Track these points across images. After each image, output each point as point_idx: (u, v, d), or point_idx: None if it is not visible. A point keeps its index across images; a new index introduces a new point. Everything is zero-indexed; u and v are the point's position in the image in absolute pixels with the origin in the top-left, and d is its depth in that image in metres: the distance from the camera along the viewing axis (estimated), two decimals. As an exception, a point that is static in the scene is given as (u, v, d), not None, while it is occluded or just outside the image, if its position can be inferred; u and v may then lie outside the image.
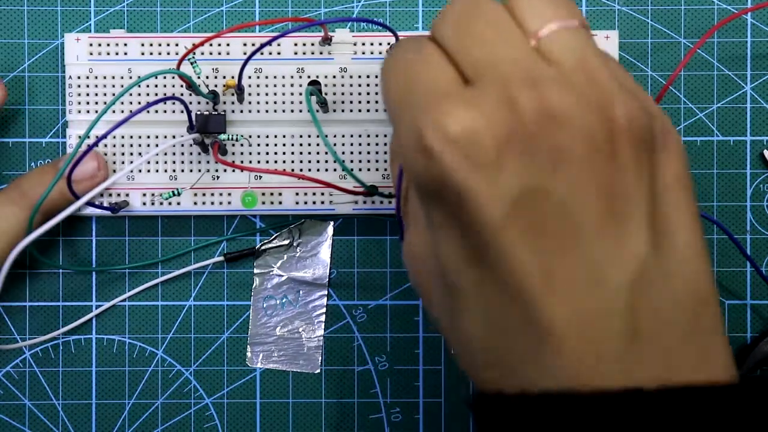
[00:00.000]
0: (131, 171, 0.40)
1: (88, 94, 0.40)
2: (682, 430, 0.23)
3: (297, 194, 0.40)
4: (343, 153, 0.40)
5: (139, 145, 0.40)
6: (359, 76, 0.40)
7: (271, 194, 0.40)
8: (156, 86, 0.40)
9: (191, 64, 0.37)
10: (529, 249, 0.24)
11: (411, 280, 0.29)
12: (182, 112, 0.39)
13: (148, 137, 0.40)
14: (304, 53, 0.40)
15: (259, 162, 0.40)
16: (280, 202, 0.40)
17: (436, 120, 0.24)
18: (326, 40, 0.39)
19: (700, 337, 0.25)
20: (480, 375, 0.27)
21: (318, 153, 0.40)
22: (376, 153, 0.40)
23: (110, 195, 0.40)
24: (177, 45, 0.40)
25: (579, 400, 0.24)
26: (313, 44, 0.40)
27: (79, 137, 0.39)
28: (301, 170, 0.40)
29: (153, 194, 0.40)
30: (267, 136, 0.40)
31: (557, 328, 0.24)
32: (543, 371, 0.24)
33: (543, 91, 0.24)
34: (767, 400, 0.24)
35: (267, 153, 0.40)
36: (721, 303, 0.42)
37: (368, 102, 0.40)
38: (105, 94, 0.40)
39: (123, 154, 0.40)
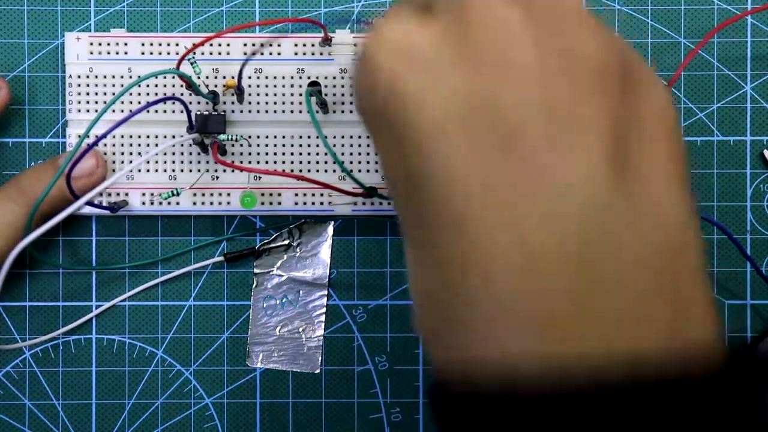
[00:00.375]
0: (131, 171, 0.40)
1: (88, 94, 0.40)
2: (642, 417, 0.19)
3: (296, 195, 0.40)
4: (343, 154, 0.40)
5: (139, 145, 0.40)
6: (359, 77, 0.40)
7: (271, 195, 0.40)
8: (156, 86, 0.40)
9: (191, 64, 0.37)
10: (466, 160, 0.21)
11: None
12: (182, 112, 0.39)
13: (148, 137, 0.40)
14: (304, 54, 0.40)
15: (258, 162, 0.40)
16: (280, 203, 0.40)
17: (378, 33, 0.23)
18: (326, 41, 0.39)
19: (673, 294, 0.21)
20: (430, 346, 0.23)
21: (317, 154, 0.40)
22: (376, 154, 0.40)
23: (110, 195, 0.40)
24: (177, 45, 0.40)
25: (520, 393, 0.20)
26: (313, 45, 0.40)
27: (79, 137, 0.39)
28: (300, 171, 0.40)
29: (152, 194, 0.40)
30: (267, 137, 0.40)
31: (495, 265, 0.20)
32: (479, 333, 0.21)
33: (495, 4, 0.22)
34: (747, 380, 0.21)
35: (266, 153, 0.40)
36: (721, 303, 0.42)
37: (368, 102, 0.40)
38: (105, 94, 0.40)
39: (123, 153, 0.40)
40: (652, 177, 0.21)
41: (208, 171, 0.40)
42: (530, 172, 0.21)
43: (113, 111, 0.40)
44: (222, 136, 0.39)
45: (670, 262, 0.21)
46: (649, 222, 0.21)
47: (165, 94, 0.40)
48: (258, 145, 0.40)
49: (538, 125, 0.21)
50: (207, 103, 0.40)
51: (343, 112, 0.40)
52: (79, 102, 0.40)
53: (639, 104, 0.22)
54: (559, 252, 0.20)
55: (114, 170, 0.40)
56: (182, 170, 0.40)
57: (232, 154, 0.40)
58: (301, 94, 0.40)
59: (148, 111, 0.39)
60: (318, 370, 0.41)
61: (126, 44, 0.40)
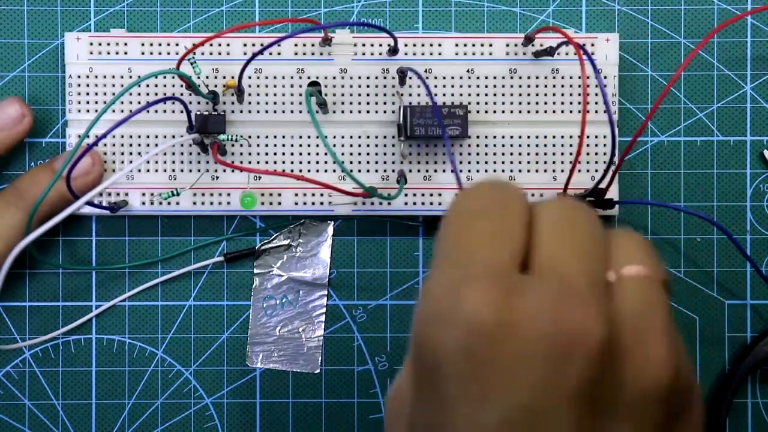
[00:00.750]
0: (131, 171, 0.40)
1: (88, 94, 0.40)
2: None
3: (296, 195, 0.40)
4: (343, 154, 0.40)
5: (139, 145, 0.40)
6: (359, 77, 0.40)
7: (271, 195, 0.40)
8: (156, 86, 0.40)
9: (191, 64, 0.37)
10: None
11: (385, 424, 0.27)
12: (182, 112, 0.39)
13: (148, 137, 0.40)
14: (304, 54, 0.40)
15: (258, 162, 0.40)
16: (279, 203, 0.40)
17: (476, 295, 0.22)
18: (326, 41, 0.39)
19: None
20: None
21: (317, 154, 0.40)
22: (376, 154, 0.40)
23: (109, 195, 0.40)
24: (177, 45, 0.40)
25: None
26: (313, 45, 0.40)
27: (79, 137, 0.39)
28: (300, 171, 0.40)
29: (152, 194, 0.40)
30: (266, 137, 0.40)
31: None
32: None
33: (591, 314, 0.22)
34: None
35: (266, 153, 0.40)
36: (721, 303, 0.42)
37: (368, 103, 0.40)
38: (105, 94, 0.40)
39: (123, 153, 0.40)
40: None
41: (208, 171, 0.40)
42: None
43: (113, 111, 0.40)
44: (222, 136, 0.39)
45: None
46: None
47: (165, 94, 0.40)
48: (258, 145, 0.40)
49: None
50: (207, 103, 0.40)
51: (342, 112, 0.40)
52: (79, 102, 0.40)
53: None
54: None
55: (114, 170, 0.40)
56: (182, 170, 0.40)
57: (232, 154, 0.40)
58: (301, 94, 0.40)
59: (148, 111, 0.39)
60: (318, 370, 0.41)
61: (126, 44, 0.40)
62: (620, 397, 0.23)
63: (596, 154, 0.40)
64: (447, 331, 0.22)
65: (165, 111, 0.40)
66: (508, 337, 0.22)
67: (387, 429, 0.26)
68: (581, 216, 0.25)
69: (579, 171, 0.40)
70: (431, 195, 0.40)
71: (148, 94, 0.40)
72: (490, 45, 0.40)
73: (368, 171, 0.40)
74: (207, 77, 0.40)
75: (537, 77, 0.40)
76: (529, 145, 0.40)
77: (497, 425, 0.22)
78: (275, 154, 0.40)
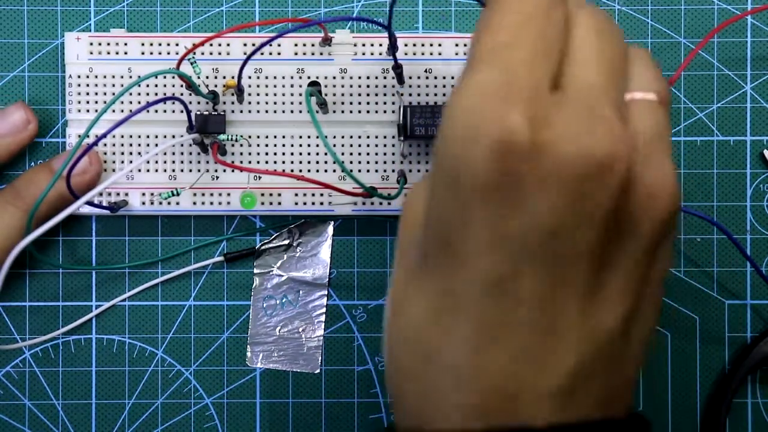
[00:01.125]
0: (131, 171, 0.40)
1: (88, 94, 0.40)
2: None
3: (296, 195, 0.40)
4: (343, 154, 0.40)
5: (139, 145, 0.40)
6: (359, 77, 0.40)
7: (271, 195, 0.40)
8: (156, 86, 0.40)
9: (191, 64, 0.37)
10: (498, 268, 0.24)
11: (398, 235, 0.28)
12: (182, 112, 0.39)
13: (148, 137, 0.40)
14: (304, 54, 0.40)
15: (258, 162, 0.40)
16: (279, 203, 0.40)
17: (514, 114, 0.23)
18: (326, 41, 0.39)
19: (615, 391, 0.26)
20: (400, 386, 0.26)
21: (317, 154, 0.40)
22: (376, 154, 0.40)
23: (109, 194, 0.40)
24: (177, 45, 0.40)
25: None
26: (313, 45, 0.40)
27: (79, 136, 0.39)
28: (300, 171, 0.40)
29: (152, 194, 0.40)
30: (266, 137, 0.40)
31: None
32: (454, 402, 0.24)
33: (616, 141, 0.24)
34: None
35: (266, 153, 0.40)
36: (721, 303, 0.42)
37: (368, 103, 0.40)
38: (105, 94, 0.40)
39: (123, 153, 0.40)
40: (645, 322, 0.26)
41: (208, 171, 0.40)
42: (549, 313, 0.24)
43: (113, 111, 0.40)
44: (222, 136, 0.39)
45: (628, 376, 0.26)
46: (625, 364, 0.26)
47: (165, 94, 0.40)
48: (258, 145, 0.40)
49: (582, 273, 0.25)
50: (207, 103, 0.40)
51: (342, 112, 0.40)
52: (79, 102, 0.40)
53: (661, 263, 0.26)
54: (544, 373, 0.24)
55: (114, 170, 0.40)
56: (182, 170, 0.40)
57: (232, 154, 0.40)
58: (301, 94, 0.40)
59: (148, 111, 0.39)
60: (318, 370, 0.41)
61: (126, 44, 0.40)
62: (631, 219, 0.24)
63: (596, 154, 0.40)
64: (481, 142, 0.23)
65: (165, 111, 0.40)
66: (541, 156, 0.23)
67: (402, 243, 0.27)
68: (613, 33, 0.26)
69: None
70: (431, 195, 0.40)
71: (148, 94, 0.40)
72: (490, 45, 0.40)
73: (368, 171, 0.40)
74: (207, 77, 0.40)
75: (537, 77, 0.40)
76: (529, 145, 0.40)
77: (516, 236, 0.23)
78: (275, 154, 0.40)
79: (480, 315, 0.24)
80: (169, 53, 0.40)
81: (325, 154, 0.40)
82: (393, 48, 0.39)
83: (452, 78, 0.40)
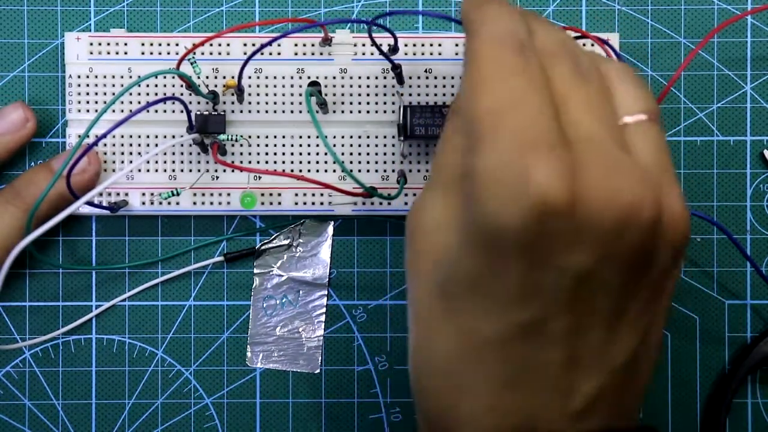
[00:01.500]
0: (131, 171, 0.40)
1: (88, 94, 0.40)
2: None
3: (296, 195, 0.40)
4: (343, 154, 0.40)
5: (139, 145, 0.40)
6: (359, 77, 0.40)
7: (271, 195, 0.40)
8: (156, 86, 0.40)
9: (191, 64, 0.37)
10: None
11: (411, 256, 0.28)
12: (182, 112, 0.39)
13: (148, 137, 0.40)
14: (304, 54, 0.40)
15: (258, 162, 0.40)
16: (279, 203, 0.40)
17: (541, 174, 0.23)
18: (326, 41, 0.39)
19: (626, 412, 0.27)
20: (427, 404, 0.27)
21: (317, 154, 0.40)
22: (376, 154, 0.40)
23: (109, 194, 0.40)
24: (177, 45, 0.40)
25: None
26: (313, 45, 0.40)
27: (79, 136, 0.39)
28: (300, 171, 0.40)
29: (152, 194, 0.40)
30: (266, 137, 0.40)
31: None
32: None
33: (641, 186, 0.24)
34: None
35: (266, 153, 0.40)
36: (721, 303, 0.42)
37: (368, 103, 0.40)
38: (105, 94, 0.40)
39: (123, 153, 0.40)
40: (652, 345, 0.27)
41: (208, 171, 0.40)
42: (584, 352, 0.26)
43: (113, 111, 0.40)
44: (222, 136, 0.39)
45: (635, 396, 0.27)
46: (633, 379, 0.27)
47: (165, 94, 0.40)
48: (258, 145, 0.40)
49: (608, 310, 0.26)
50: (207, 103, 0.40)
51: (342, 112, 0.40)
52: (79, 102, 0.40)
53: (671, 284, 0.27)
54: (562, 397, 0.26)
55: (114, 170, 0.40)
56: (182, 170, 0.40)
57: (232, 154, 0.40)
58: (301, 94, 0.40)
59: (148, 111, 0.39)
60: (318, 370, 0.41)
61: (126, 44, 0.40)
62: (653, 250, 0.25)
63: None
64: (516, 207, 0.23)
65: (165, 111, 0.40)
66: (576, 212, 0.23)
67: (424, 285, 0.27)
68: (588, 67, 0.27)
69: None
70: (431, 195, 0.40)
71: (148, 94, 0.40)
72: (490, 45, 0.40)
73: (368, 171, 0.40)
74: (207, 77, 0.40)
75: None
76: (529, 145, 0.40)
77: (549, 287, 0.24)
78: (275, 154, 0.40)
79: (508, 356, 0.25)
80: (169, 53, 0.40)
81: (325, 154, 0.40)
82: (395, 51, 0.39)
83: (452, 78, 0.40)
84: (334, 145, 0.40)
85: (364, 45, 0.40)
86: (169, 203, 0.40)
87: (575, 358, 0.25)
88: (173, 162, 0.40)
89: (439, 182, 0.27)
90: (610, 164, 0.24)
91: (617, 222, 0.24)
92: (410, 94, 0.40)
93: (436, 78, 0.40)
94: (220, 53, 0.40)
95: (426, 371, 0.27)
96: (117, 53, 0.40)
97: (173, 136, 0.40)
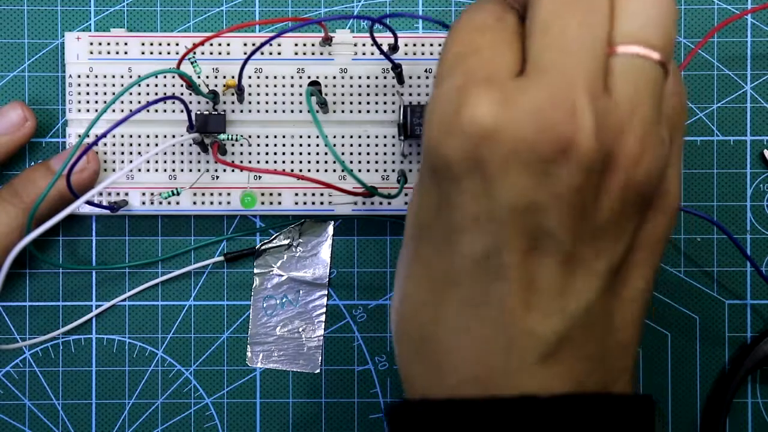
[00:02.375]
0: (131, 170, 0.40)
1: (88, 93, 0.40)
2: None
3: (296, 194, 0.40)
4: (343, 154, 0.40)
5: (139, 145, 0.40)
6: (359, 77, 0.40)
7: (271, 194, 0.40)
8: (156, 86, 0.40)
9: (191, 63, 0.37)
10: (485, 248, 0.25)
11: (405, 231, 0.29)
12: (182, 111, 0.39)
13: (148, 137, 0.40)
14: (304, 53, 0.40)
15: (258, 162, 0.40)
16: (280, 203, 0.40)
17: (473, 103, 0.24)
18: (326, 41, 0.39)
19: (609, 373, 0.27)
20: (407, 368, 0.28)
21: (318, 153, 0.40)
22: (376, 154, 0.40)
23: (110, 194, 0.40)
24: (177, 45, 0.40)
25: (472, 405, 0.25)
26: (313, 44, 0.40)
27: (79, 136, 0.39)
28: (300, 170, 0.40)
29: (152, 194, 0.40)
30: (267, 136, 0.40)
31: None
32: (452, 376, 0.26)
33: (579, 121, 0.24)
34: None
35: (267, 153, 0.40)
36: (721, 303, 0.42)
37: (368, 103, 0.40)
38: (105, 93, 0.40)
39: (123, 153, 0.40)
40: (633, 284, 0.27)
41: (208, 171, 0.40)
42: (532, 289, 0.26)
43: (113, 111, 0.40)
44: (222, 136, 0.39)
45: (618, 353, 0.27)
46: (614, 323, 0.27)
47: (165, 94, 0.40)
48: (258, 145, 0.40)
49: (560, 253, 0.26)
50: (207, 102, 0.40)
51: (343, 111, 0.40)
52: (79, 102, 0.40)
53: (652, 228, 0.27)
54: (533, 339, 0.26)
55: (114, 170, 0.40)
56: (182, 170, 0.40)
57: (232, 153, 0.40)
58: (301, 94, 0.40)
59: (148, 111, 0.39)
60: (318, 370, 0.41)
61: (126, 44, 0.40)
62: (603, 201, 0.25)
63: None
64: (452, 136, 0.25)
65: (165, 111, 0.40)
66: (500, 140, 0.24)
67: (406, 236, 0.28)
68: None
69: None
70: (431, 195, 0.40)
71: (148, 94, 0.40)
72: (490, 45, 0.40)
73: (368, 171, 0.40)
74: (207, 77, 0.40)
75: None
76: (529, 145, 0.40)
77: (492, 215, 0.25)
78: (275, 153, 0.40)
79: (467, 292, 0.26)
80: (169, 53, 0.40)
81: (326, 153, 0.40)
82: (395, 50, 0.39)
83: (452, 78, 0.40)
84: (334, 145, 0.40)
85: (364, 45, 0.40)
86: (169, 203, 0.40)
87: (530, 298, 0.25)
88: (173, 162, 0.40)
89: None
90: (548, 96, 0.24)
91: (549, 153, 0.24)
92: (410, 94, 0.40)
93: (435, 78, 0.40)
94: (220, 53, 0.40)
95: (400, 325, 0.28)
96: (117, 53, 0.40)
97: (173, 136, 0.40)
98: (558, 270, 0.25)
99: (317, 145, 0.40)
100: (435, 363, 0.26)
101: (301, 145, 0.40)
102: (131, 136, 0.40)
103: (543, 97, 0.24)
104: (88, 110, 0.40)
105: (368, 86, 0.40)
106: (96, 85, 0.40)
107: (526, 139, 0.24)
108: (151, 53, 0.40)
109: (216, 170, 0.40)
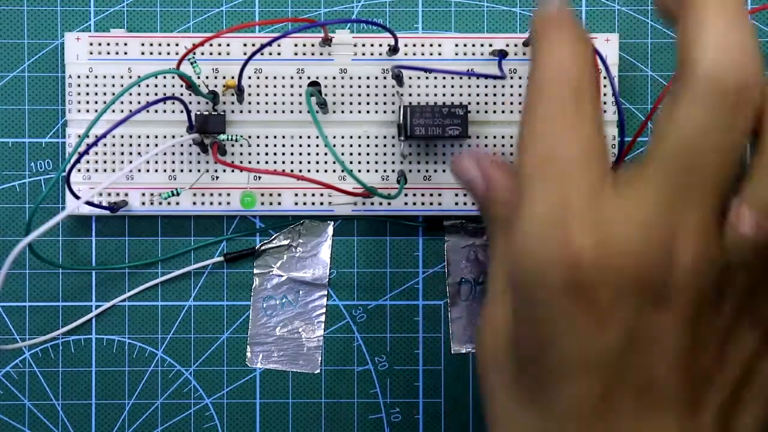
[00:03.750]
0: (130, 171, 0.40)
1: (87, 94, 0.40)
2: None
3: (296, 195, 0.40)
4: (343, 154, 0.40)
5: (139, 145, 0.40)
6: (359, 77, 0.40)
7: (271, 195, 0.40)
8: (156, 86, 0.40)
9: (191, 64, 0.37)
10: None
11: (479, 358, 0.28)
12: (182, 112, 0.39)
13: (148, 137, 0.40)
14: (304, 54, 0.40)
15: (258, 162, 0.40)
16: (280, 203, 0.40)
17: (575, 235, 0.23)
18: (326, 41, 0.39)
19: None
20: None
21: (318, 154, 0.40)
22: (376, 154, 0.40)
23: (109, 194, 0.40)
24: (177, 45, 0.40)
25: None
26: (313, 45, 0.40)
27: (79, 136, 0.39)
28: (300, 171, 0.40)
29: (152, 194, 0.40)
30: (266, 137, 0.40)
31: None
32: None
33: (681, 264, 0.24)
34: None
35: (266, 153, 0.40)
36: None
37: (368, 103, 0.40)
38: (105, 94, 0.40)
39: (122, 153, 0.40)
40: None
41: (208, 171, 0.40)
42: None
43: (113, 111, 0.40)
44: (222, 136, 0.39)
45: None
46: None
47: (165, 94, 0.40)
48: (258, 145, 0.40)
49: (672, 397, 0.25)
50: (207, 103, 0.40)
51: (342, 112, 0.40)
52: (79, 102, 0.40)
53: None
54: None
55: (114, 170, 0.40)
56: (182, 170, 0.40)
57: (232, 154, 0.40)
58: (301, 94, 0.40)
59: (148, 111, 0.39)
60: (318, 370, 0.41)
61: (126, 44, 0.40)
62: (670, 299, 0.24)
63: (596, 154, 0.40)
64: (550, 271, 0.23)
65: (165, 111, 0.40)
66: (607, 271, 0.23)
67: (482, 364, 0.27)
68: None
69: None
70: (431, 195, 0.40)
71: (148, 94, 0.40)
72: (490, 45, 0.40)
73: (368, 171, 0.40)
74: (207, 77, 0.40)
75: (537, 77, 0.40)
76: (529, 145, 0.40)
77: (604, 354, 0.23)
78: (275, 154, 0.40)
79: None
80: (169, 53, 0.40)
81: (326, 154, 0.40)
82: (395, 51, 0.39)
83: (452, 78, 0.40)
84: (334, 146, 0.40)
85: (364, 45, 0.40)
86: (169, 203, 0.40)
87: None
88: (173, 162, 0.40)
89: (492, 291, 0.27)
90: (640, 226, 0.23)
91: (643, 289, 0.23)
92: (410, 94, 0.40)
93: (436, 78, 0.40)
94: (220, 53, 0.40)
95: None
96: (117, 53, 0.40)
97: (173, 136, 0.40)
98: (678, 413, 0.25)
99: (317, 146, 0.40)
100: None
101: (300, 145, 0.40)
102: (131, 137, 0.40)
103: (644, 220, 0.24)
104: (87, 110, 0.40)
105: (368, 86, 0.40)
106: (96, 85, 0.40)
107: (628, 275, 0.23)
108: (151, 53, 0.40)
109: (216, 170, 0.40)
